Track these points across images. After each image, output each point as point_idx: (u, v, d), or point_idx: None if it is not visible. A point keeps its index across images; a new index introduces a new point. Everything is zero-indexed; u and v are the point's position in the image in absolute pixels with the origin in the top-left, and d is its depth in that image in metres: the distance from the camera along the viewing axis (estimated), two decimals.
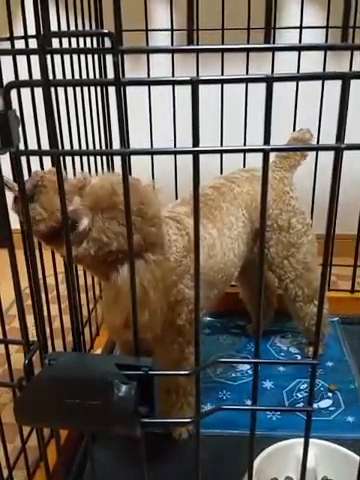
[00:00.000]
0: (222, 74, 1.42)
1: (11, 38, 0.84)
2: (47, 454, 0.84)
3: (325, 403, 1.30)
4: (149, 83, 0.43)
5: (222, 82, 0.46)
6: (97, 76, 1.35)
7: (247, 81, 0.45)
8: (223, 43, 1.41)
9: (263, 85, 0.45)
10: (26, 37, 0.90)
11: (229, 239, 1.17)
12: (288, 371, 1.41)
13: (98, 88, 1.36)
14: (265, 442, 1.04)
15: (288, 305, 1.40)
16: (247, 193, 1.23)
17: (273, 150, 0.47)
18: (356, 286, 1.67)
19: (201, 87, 0.45)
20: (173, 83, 0.42)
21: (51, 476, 0.74)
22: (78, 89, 1.20)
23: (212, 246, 1.10)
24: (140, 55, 1.59)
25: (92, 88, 1.32)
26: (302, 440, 1.13)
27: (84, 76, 1.25)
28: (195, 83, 0.43)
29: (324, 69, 1.44)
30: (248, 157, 1.49)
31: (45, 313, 1.12)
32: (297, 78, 0.53)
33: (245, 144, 1.50)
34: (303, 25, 1.47)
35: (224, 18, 1.42)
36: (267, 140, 0.47)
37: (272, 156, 1.45)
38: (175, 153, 0.45)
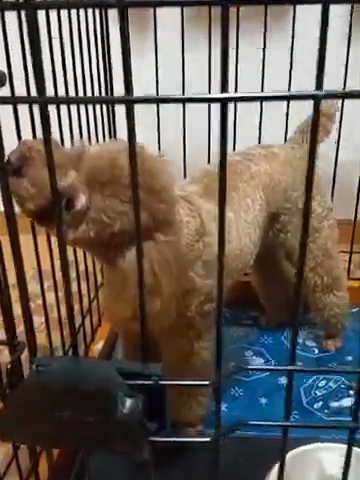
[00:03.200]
0: (237, 33, 1.29)
1: None
2: (40, 463, 0.75)
3: (347, 402, 1.19)
4: (155, 4, 0.31)
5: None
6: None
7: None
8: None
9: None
10: None
11: (245, 223, 1.05)
12: (307, 366, 1.30)
13: (98, 29, 1.23)
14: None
15: (305, 295, 1.29)
16: (265, 172, 1.11)
17: (327, 96, 0.36)
18: None
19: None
20: (182, 4, 0.31)
21: None
22: (74, 24, 1.07)
23: (228, 230, 0.99)
24: (146, 18, 1.47)
25: (91, 32, 1.19)
26: (325, 445, 1.02)
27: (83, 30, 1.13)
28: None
29: (350, 28, 1.31)
30: (264, 133, 1.37)
31: (40, 303, 1.01)
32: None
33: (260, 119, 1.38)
34: None
35: None
36: (319, 85, 0.36)
37: (290, 132, 1.32)
38: (199, 101, 0.34)
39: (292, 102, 1.37)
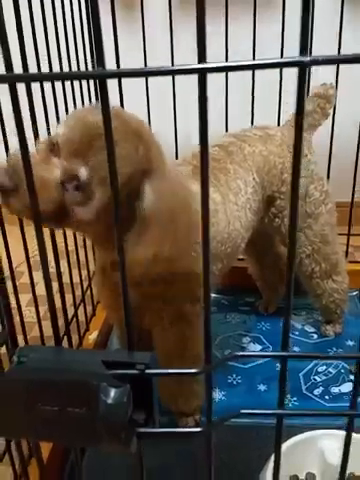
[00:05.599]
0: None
1: None
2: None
3: (347, 387, 1.18)
4: None
5: None
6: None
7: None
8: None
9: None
10: None
11: (235, 206, 1.02)
12: (304, 352, 1.28)
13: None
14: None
15: (303, 282, 1.26)
16: (259, 154, 1.08)
17: (313, 63, 0.33)
18: None
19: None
20: None
21: None
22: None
23: (214, 212, 0.95)
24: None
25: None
26: (325, 432, 0.99)
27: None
28: None
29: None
30: (257, 116, 1.34)
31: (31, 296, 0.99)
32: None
33: (253, 110, 1.35)
34: None
35: None
36: (304, 48, 0.33)
37: (288, 114, 1.28)
38: (176, 73, 0.31)
39: (286, 88, 1.35)
